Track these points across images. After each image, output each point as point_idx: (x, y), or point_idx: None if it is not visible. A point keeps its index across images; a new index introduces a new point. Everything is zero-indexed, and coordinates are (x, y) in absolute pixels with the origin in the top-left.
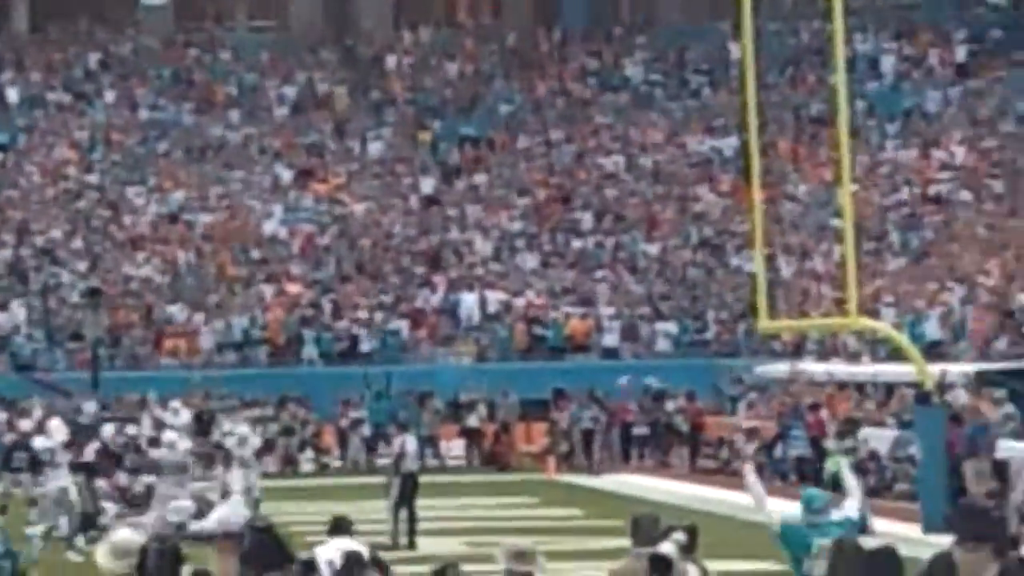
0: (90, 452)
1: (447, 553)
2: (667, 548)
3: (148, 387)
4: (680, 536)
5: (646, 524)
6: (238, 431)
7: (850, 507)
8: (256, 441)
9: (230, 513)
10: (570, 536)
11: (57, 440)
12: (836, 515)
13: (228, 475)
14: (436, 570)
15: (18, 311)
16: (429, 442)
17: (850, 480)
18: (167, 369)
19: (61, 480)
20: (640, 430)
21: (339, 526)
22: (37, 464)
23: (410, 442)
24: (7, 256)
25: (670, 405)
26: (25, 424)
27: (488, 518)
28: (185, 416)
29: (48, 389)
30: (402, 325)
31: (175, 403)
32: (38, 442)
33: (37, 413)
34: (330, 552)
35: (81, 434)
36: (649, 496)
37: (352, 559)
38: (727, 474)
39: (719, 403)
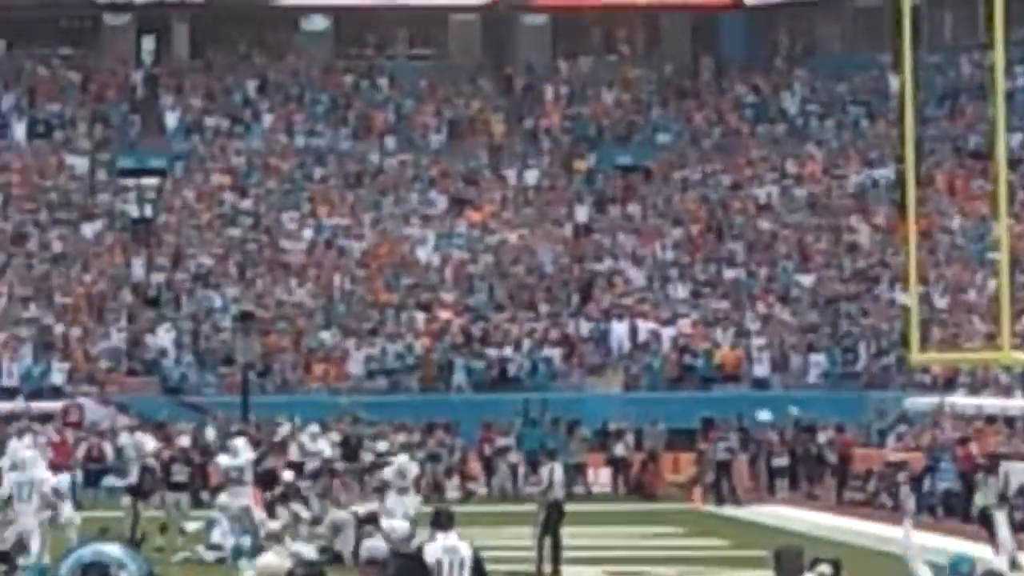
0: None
1: None
2: None
3: (297, 411)
4: (825, 569)
5: (789, 556)
6: (398, 462)
7: (998, 562)
8: (415, 469)
9: (376, 540)
10: (715, 567)
11: (244, 458)
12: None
13: (383, 502)
14: None
15: (166, 335)
16: (576, 470)
17: (1004, 531)
18: (316, 394)
19: (244, 499)
20: (780, 461)
21: (441, 520)
22: (195, 484)
23: (558, 470)
24: (161, 280)
25: (821, 436)
26: (184, 440)
27: (633, 547)
28: (323, 443)
29: (195, 411)
30: (553, 353)
31: (314, 427)
32: (223, 460)
33: (186, 437)
34: (436, 551)
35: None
36: (795, 527)
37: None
38: (874, 507)
39: (868, 435)
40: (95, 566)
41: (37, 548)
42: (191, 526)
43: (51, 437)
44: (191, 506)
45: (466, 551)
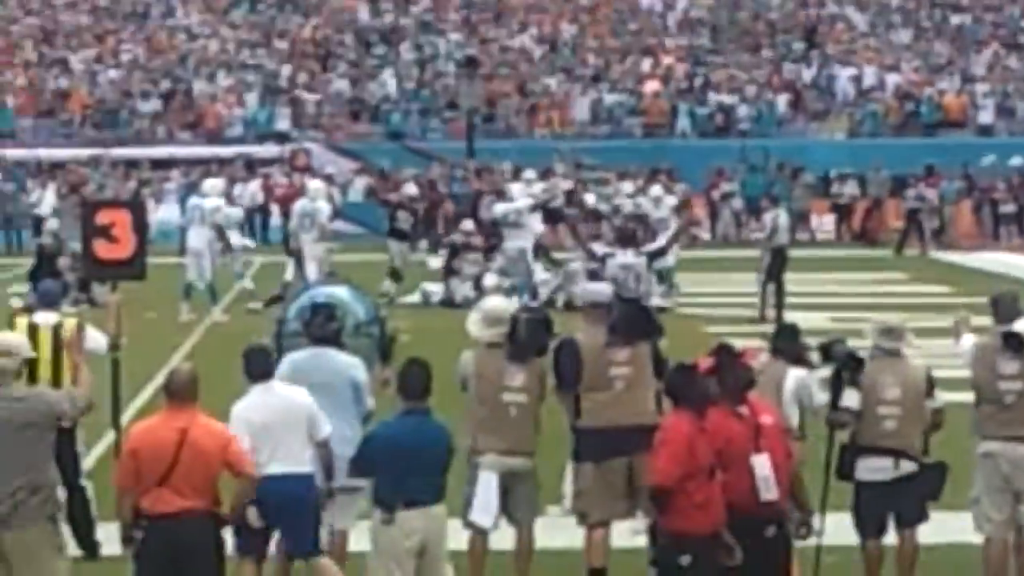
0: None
1: (814, 328)
2: (1021, 326)
3: (521, 157)
4: None
5: (1006, 301)
6: (619, 200)
7: None
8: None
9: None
10: (939, 313)
11: (523, 202)
12: None
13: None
14: (822, 344)
15: (390, 80)
16: (799, 216)
17: None
18: (540, 139)
19: (521, 241)
20: (1005, 208)
21: (624, 237)
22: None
23: (782, 216)
24: (383, 24)
25: None
26: (410, 188)
27: (856, 294)
28: (538, 186)
29: (422, 157)
30: (778, 99)
31: (529, 173)
32: (499, 206)
33: (410, 185)
34: (614, 267)
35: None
36: (1020, 275)
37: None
38: None
39: None
40: (324, 307)
41: (314, 274)
42: (433, 263)
43: (279, 180)
44: (428, 251)
45: (642, 268)
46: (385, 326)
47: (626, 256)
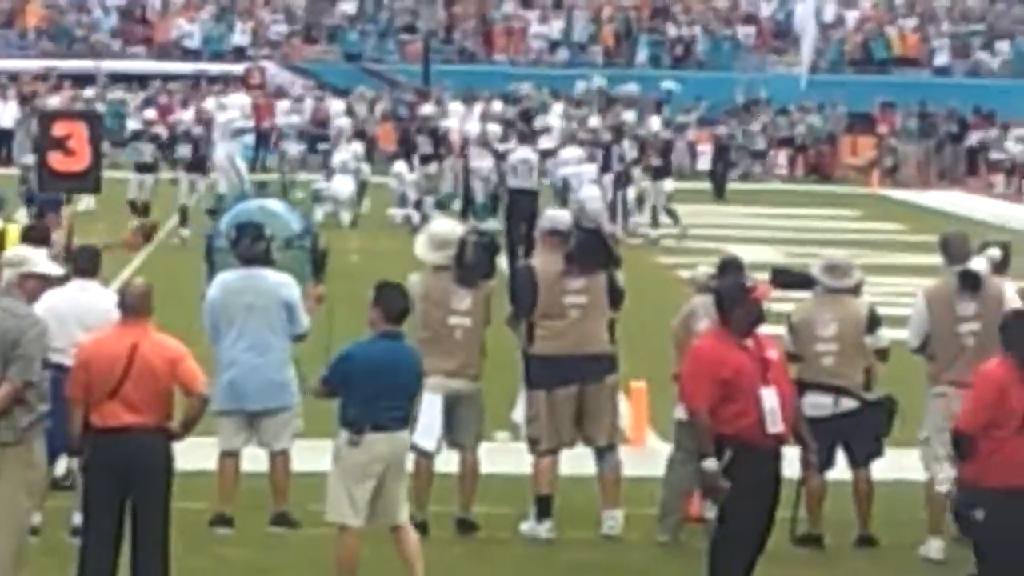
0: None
1: (768, 262)
2: (978, 264)
3: (477, 82)
4: (995, 252)
5: (956, 242)
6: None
7: None
8: None
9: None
10: (891, 251)
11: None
12: None
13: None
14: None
15: (350, 1)
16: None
17: None
18: (497, 65)
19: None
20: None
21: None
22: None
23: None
24: None
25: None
26: (361, 109)
27: (809, 229)
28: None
29: (377, 79)
30: (736, 32)
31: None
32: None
33: (362, 104)
34: None
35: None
36: (972, 215)
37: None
38: None
39: None
40: (249, 226)
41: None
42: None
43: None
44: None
45: (535, 162)
46: (317, 241)
47: (524, 151)
